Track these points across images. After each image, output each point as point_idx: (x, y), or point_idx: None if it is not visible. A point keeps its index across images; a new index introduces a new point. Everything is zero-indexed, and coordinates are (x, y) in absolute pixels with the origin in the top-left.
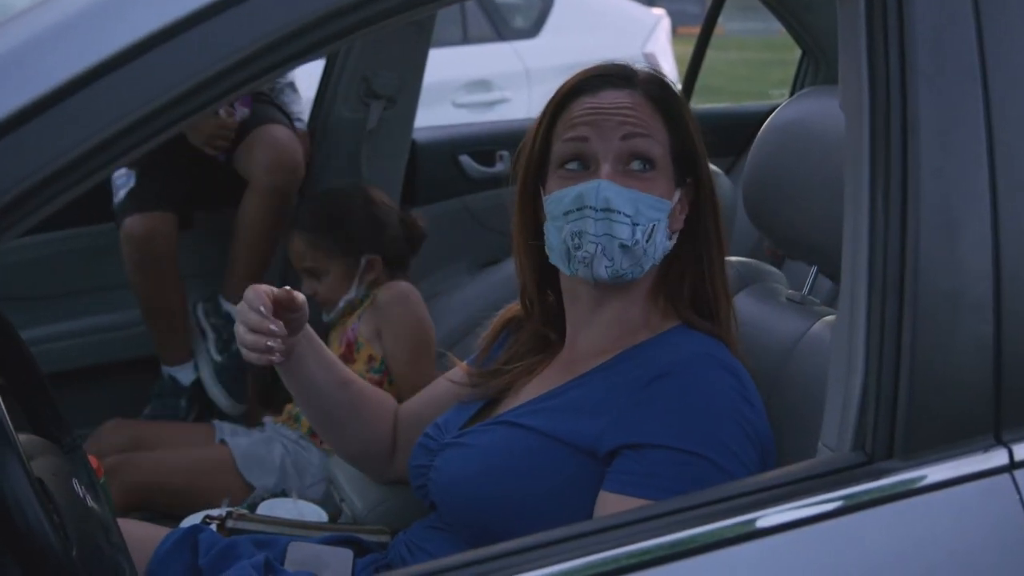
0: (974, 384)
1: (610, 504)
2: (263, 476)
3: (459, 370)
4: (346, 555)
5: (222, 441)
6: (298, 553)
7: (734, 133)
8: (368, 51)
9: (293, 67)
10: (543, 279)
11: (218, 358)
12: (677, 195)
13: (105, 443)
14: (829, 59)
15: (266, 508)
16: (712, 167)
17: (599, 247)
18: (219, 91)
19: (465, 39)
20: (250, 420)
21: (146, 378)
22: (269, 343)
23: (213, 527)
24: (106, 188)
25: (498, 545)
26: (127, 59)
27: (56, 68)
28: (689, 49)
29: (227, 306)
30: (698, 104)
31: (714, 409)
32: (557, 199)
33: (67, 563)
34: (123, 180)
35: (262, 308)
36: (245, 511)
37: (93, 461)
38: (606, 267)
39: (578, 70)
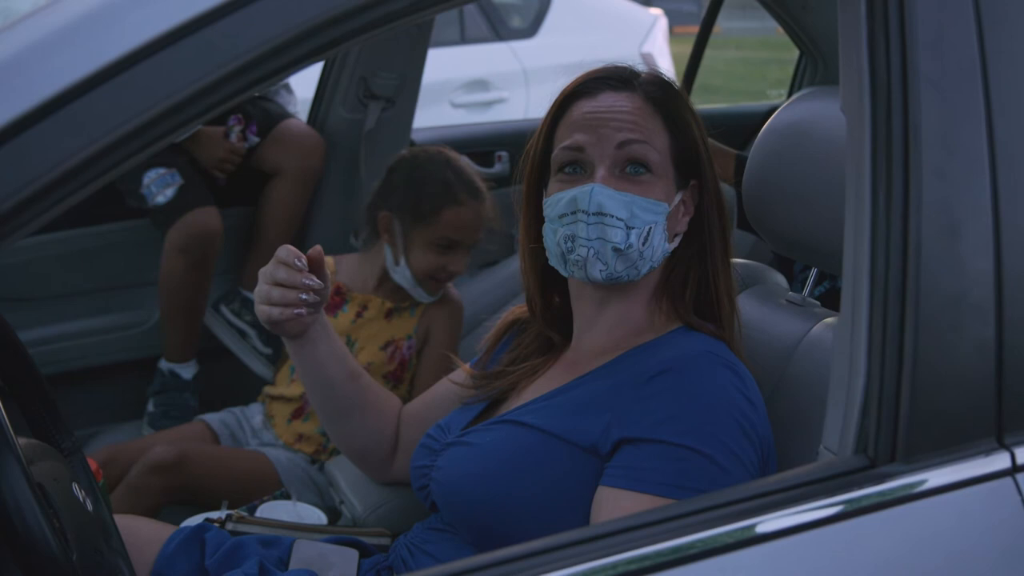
0: (976, 387)
1: (607, 499)
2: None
3: (462, 371)
4: (352, 555)
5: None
6: (304, 552)
7: (733, 134)
8: (366, 52)
9: (295, 72)
10: (548, 281)
11: (267, 350)
12: (678, 197)
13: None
14: (827, 58)
15: (266, 510)
16: None
17: (591, 251)
18: (220, 96)
19: (463, 39)
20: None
21: (146, 380)
22: (302, 296)
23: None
24: (107, 190)
25: (497, 551)
26: (129, 64)
27: (58, 74)
28: (686, 49)
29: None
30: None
31: (714, 406)
32: (553, 202)
33: (67, 567)
34: (164, 179)
35: (298, 261)
36: (245, 513)
37: (92, 464)
38: (600, 270)
39: (575, 70)
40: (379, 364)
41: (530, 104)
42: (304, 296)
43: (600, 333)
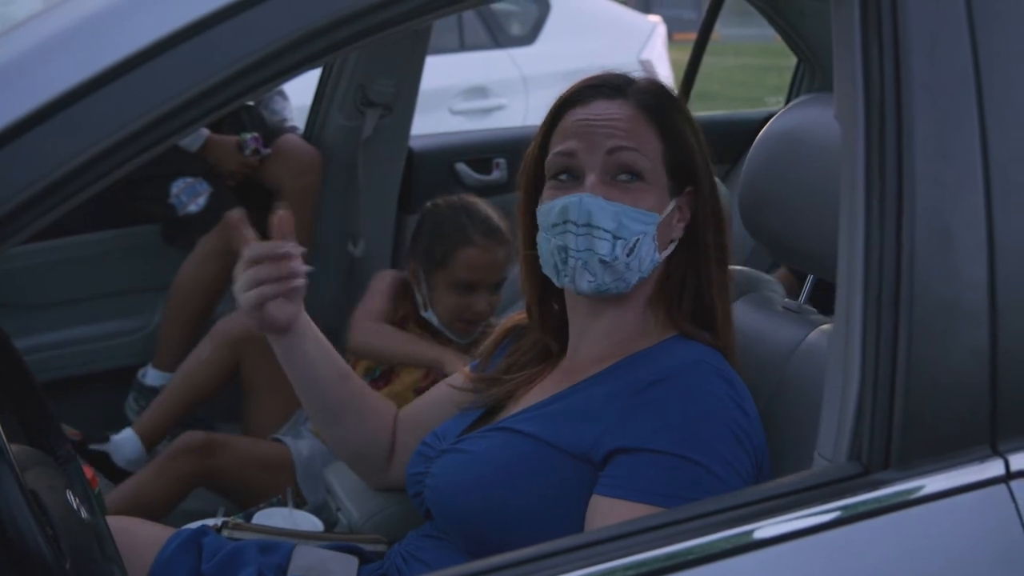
0: (970, 394)
1: (601, 508)
2: (316, 491)
3: (459, 376)
4: (351, 562)
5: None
6: (303, 558)
7: (730, 141)
8: (364, 59)
9: (294, 76)
10: (547, 288)
11: None
12: (671, 205)
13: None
14: (824, 66)
15: (262, 517)
16: None
17: (580, 262)
18: (220, 100)
19: (462, 46)
20: None
21: None
22: (292, 265)
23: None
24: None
25: (490, 559)
26: (129, 68)
27: (59, 77)
28: (685, 55)
29: None
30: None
31: (707, 415)
32: (546, 211)
33: (60, 575)
34: (193, 188)
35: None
36: (241, 520)
37: (87, 471)
38: (588, 282)
39: (574, 77)
40: (414, 380)
41: (529, 111)
42: (294, 265)
43: (594, 341)
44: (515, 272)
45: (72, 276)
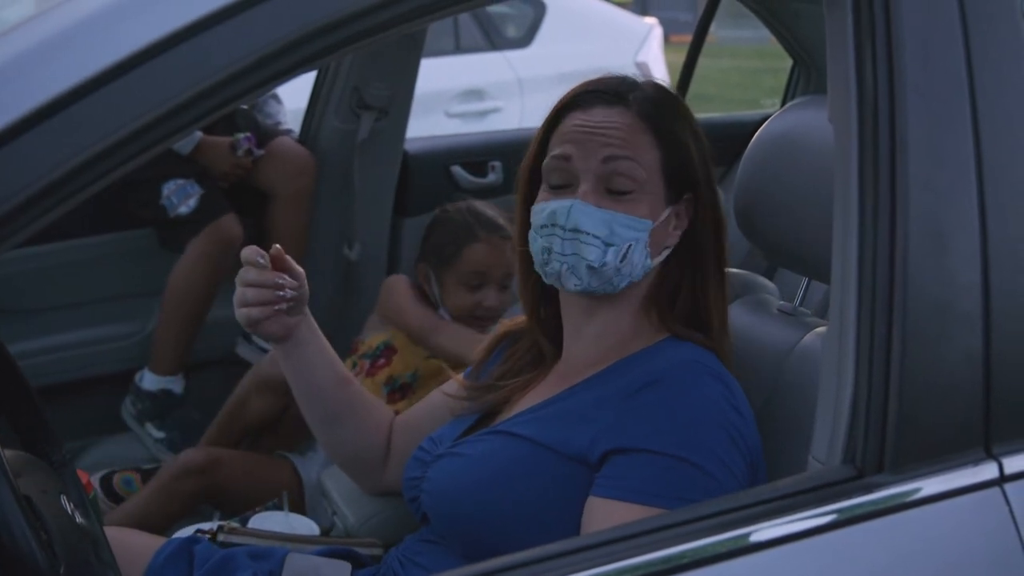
0: (964, 397)
1: (597, 509)
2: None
3: (454, 383)
4: (344, 568)
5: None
6: (296, 565)
7: (726, 143)
8: (359, 62)
9: (293, 77)
10: (544, 288)
11: None
12: (666, 212)
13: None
14: (820, 68)
15: (258, 521)
16: None
17: (565, 266)
18: (217, 102)
19: (458, 49)
20: None
21: None
22: (278, 293)
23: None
24: (100, 201)
25: (487, 562)
26: (126, 70)
27: (56, 78)
28: (682, 58)
29: None
30: None
31: (702, 415)
32: (538, 211)
33: None
34: (184, 189)
35: (260, 259)
36: (236, 524)
37: (83, 476)
38: (575, 284)
39: (570, 80)
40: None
41: (525, 114)
42: (280, 293)
43: (588, 344)
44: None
45: (67, 280)
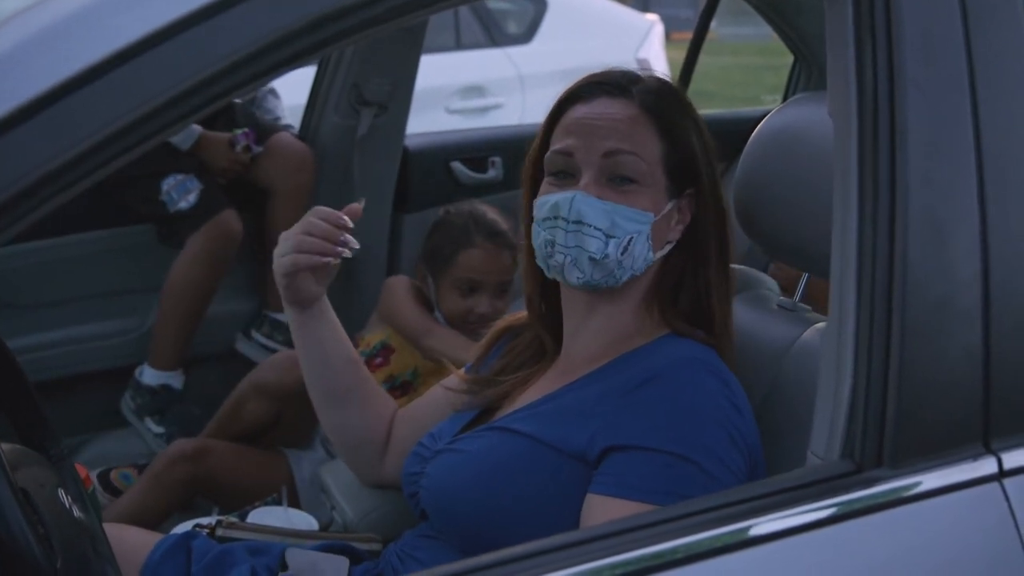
0: (963, 392)
1: (595, 506)
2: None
3: (455, 378)
4: (342, 563)
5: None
6: (295, 560)
7: (727, 139)
8: (359, 58)
9: (284, 72)
10: (547, 282)
11: None
12: (669, 206)
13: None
14: (821, 64)
15: (257, 516)
16: None
17: (568, 258)
18: (209, 96)
19: (458, 45)
20: None
21: None
22: (338, 249)
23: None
24: (97, 197)
25: (485, 556)
26: (117, 63)
27: (55, 67)
28: (683, 54)
29: (281, 316)
30: None
31: (701, 413)
32: (540, 204)
33: (51, 574)
34: (184, 185)
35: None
36: (235, 519)
37: (81, 471)
38: (578, 277)
39: (571, 76)
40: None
41: (526, 110)
42: (340, 249)
43: (588, 339)
44: (519, 274)
45: (67, 276)
